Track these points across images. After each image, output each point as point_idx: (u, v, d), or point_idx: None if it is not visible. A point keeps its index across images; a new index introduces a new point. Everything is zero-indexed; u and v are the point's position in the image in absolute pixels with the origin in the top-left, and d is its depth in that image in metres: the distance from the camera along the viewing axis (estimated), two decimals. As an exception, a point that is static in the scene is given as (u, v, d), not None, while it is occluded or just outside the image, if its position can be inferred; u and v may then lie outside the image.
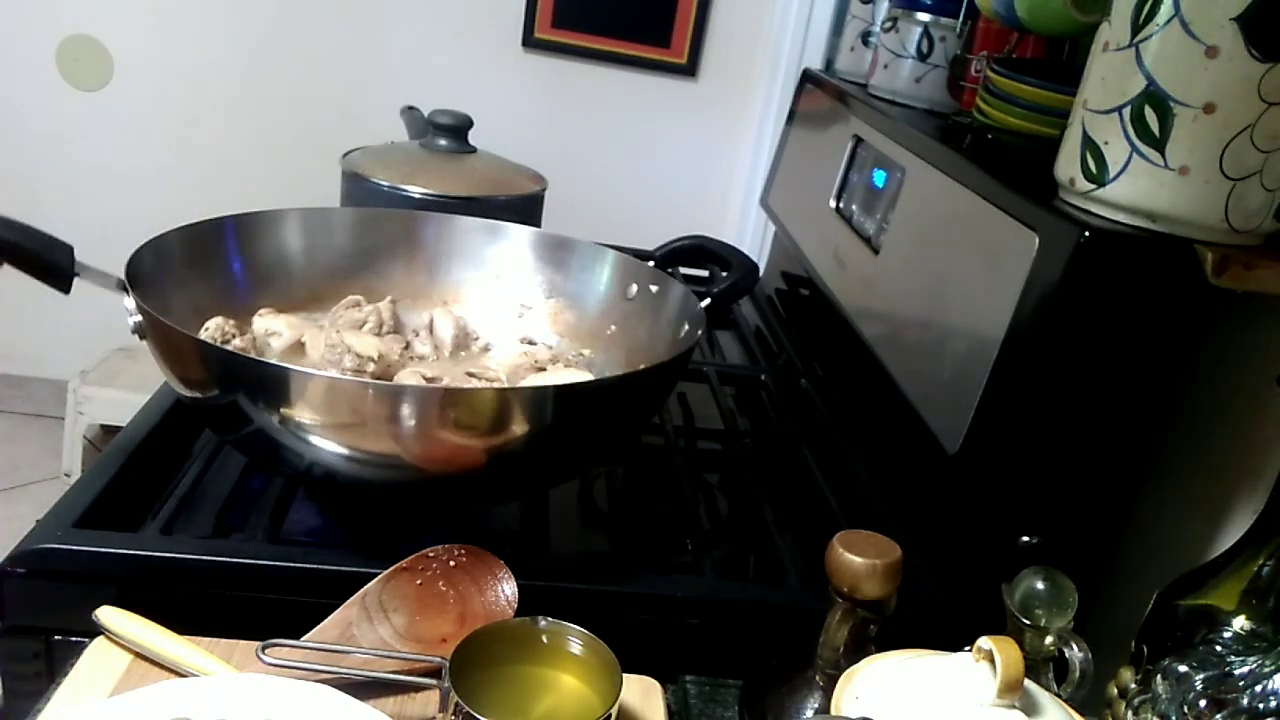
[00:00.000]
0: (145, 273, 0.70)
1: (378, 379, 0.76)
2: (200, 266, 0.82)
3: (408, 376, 0.76)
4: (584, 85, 2.01)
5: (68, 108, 2.01)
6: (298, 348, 0.80)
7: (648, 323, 0.87)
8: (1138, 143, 0.64)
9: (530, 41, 1.94)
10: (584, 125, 2.03)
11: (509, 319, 0.93)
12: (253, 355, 0.74)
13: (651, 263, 0.91)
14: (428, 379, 0.75)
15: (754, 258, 0.91)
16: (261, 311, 0.83)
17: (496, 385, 0.76)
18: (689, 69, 2.01)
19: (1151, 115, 0.63)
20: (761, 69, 1.96)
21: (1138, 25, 0.63)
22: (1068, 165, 0.69)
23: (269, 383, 0.61)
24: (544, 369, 0.85)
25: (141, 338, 0.67)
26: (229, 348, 0.72)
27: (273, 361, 0.68)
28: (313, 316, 0.87)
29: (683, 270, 1.28)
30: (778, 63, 1.86)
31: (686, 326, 0.81)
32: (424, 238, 0.94)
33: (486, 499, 0.77)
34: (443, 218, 0.95)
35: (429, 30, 1.95)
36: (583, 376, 0.80)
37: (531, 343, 0.92)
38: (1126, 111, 0.64)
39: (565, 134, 2.03)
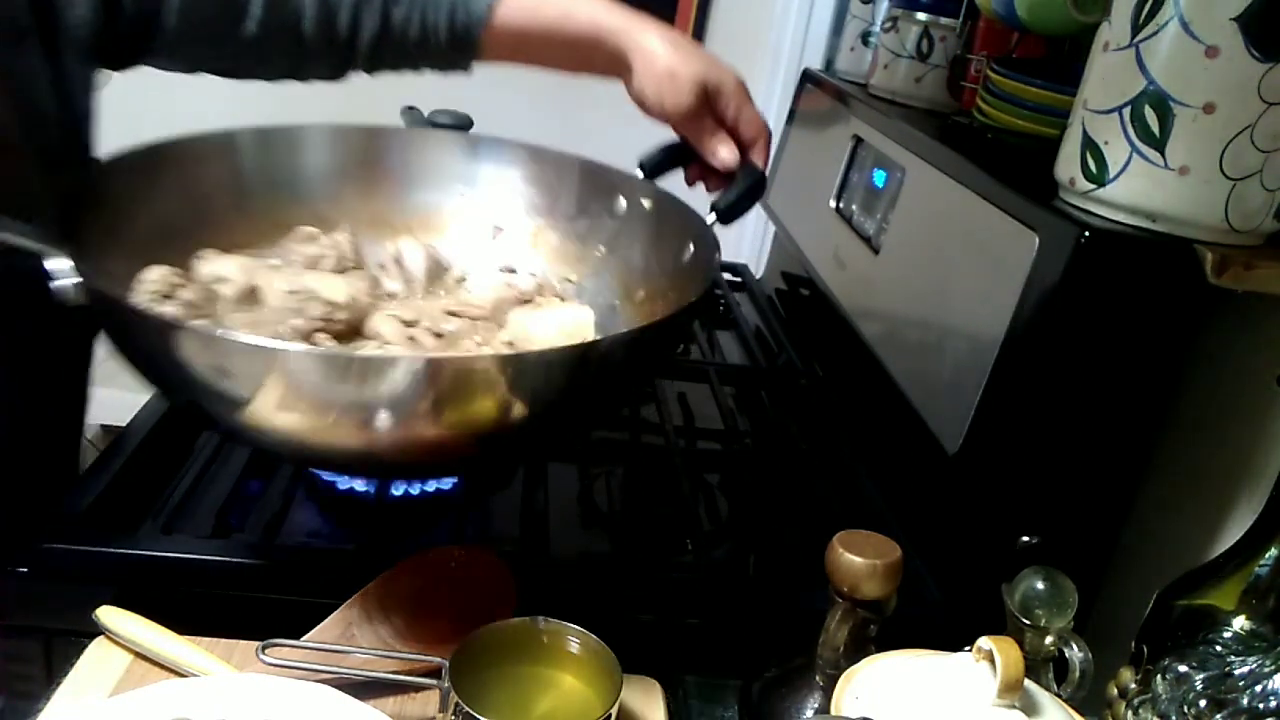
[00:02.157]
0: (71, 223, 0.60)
1: (348, 329, 0.67)
2: (132, 206, 0.69)
3: (383, 322, 0.68)
4: (584, 85, 2.01)
5: (68, 108, 2.01)
6: (252, 296, 0.69)
7: (642, 243, 0.78)
8: (1138, 143, 0.64)
9: (530, 41, 1.94)
10: (584, 125, 2.03)
11: (483, 243, 0.83)
12: (201, 318, 0.64)
13: (640, 173, 0.80)
14: (406, 321, 0.68)
15: (754, 257, 0.90)
16: (203, 253, 0.70)
17: (507, 353, 0.65)
18: (689, 69, 2.00)
19: (1151, 115, 0.63)
20: (761, 69, 1.96)
21: (1138, 25, 0.63)
22: (1068, 165, 0.69)
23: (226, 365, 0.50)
24: (529, 300, 0.77)
25: (75, 309, 0.53)
26: (176, 303, 0.63)
27: (235, 336, 0.51)
28: (261, 254, 0.74)
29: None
30: (778, 63, 1.86)
31: (692, 248, 0.72)
32: (379, 156, 0.83)
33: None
34: (398, 132, 0.86)
35: (429, 30, 1.94)
36: (583, 315, 0.73)
37: (512, 270, 0.82)
38: (1126, 111, 0.64)
39: (566, 134, 2.02)
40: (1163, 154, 0.63)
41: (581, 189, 0.81)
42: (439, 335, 0.68)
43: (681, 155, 0.79)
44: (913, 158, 0.93)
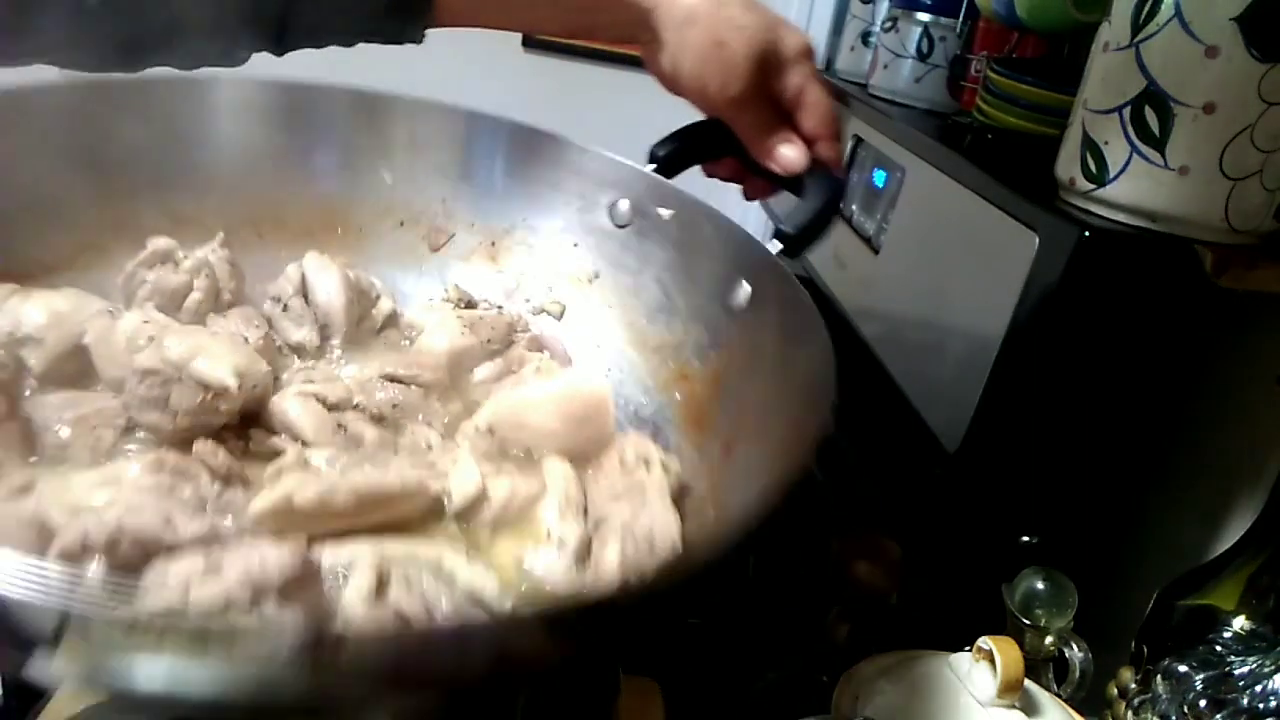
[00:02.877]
0: None
1: (238, 417, 0.46)
2: None
3: (294, 404, 0.47)
4: (585, 85, 2.01)
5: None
6: (75, 359, 0.45)
7: (657, 268, 0.57)
8: (1138, 143, 0.64)
9: (530, 41, 1.94)
10: (585, 125, 2.01)
11: (420, 257, 0.60)
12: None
13: (651, 166, 0.58)
14: (328, 404, 0.47)
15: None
16: None
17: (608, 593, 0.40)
18: (689, 69, 1.99)
19: (1151, 115, 0.63)
20: (762, 69, 1.96)
21: (1138, 25, 0.63)
22: (1068, 165, 0.69)
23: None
24: (499, 352, 0.56)
25: None
26: None
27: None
28: (85, 282, 0.49)
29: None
30: (778, 63, 1.86)
31: (746, 289, 0.52)
32: (265, 124, 0.58)
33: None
34: (287, 89, 0.58)
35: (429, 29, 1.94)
36: (594, 388, 0.52)
37: (469, 305, 0.59)
38: (1126, 111, 0.64)
39: (566, 133, 2.02)
40: (1163, 154, 0.63)
41: (564, 184, 0.60)
42: (379, 419, 0.48)
43: (711, 142, 0.59)
44: (913, 158, 0.93)
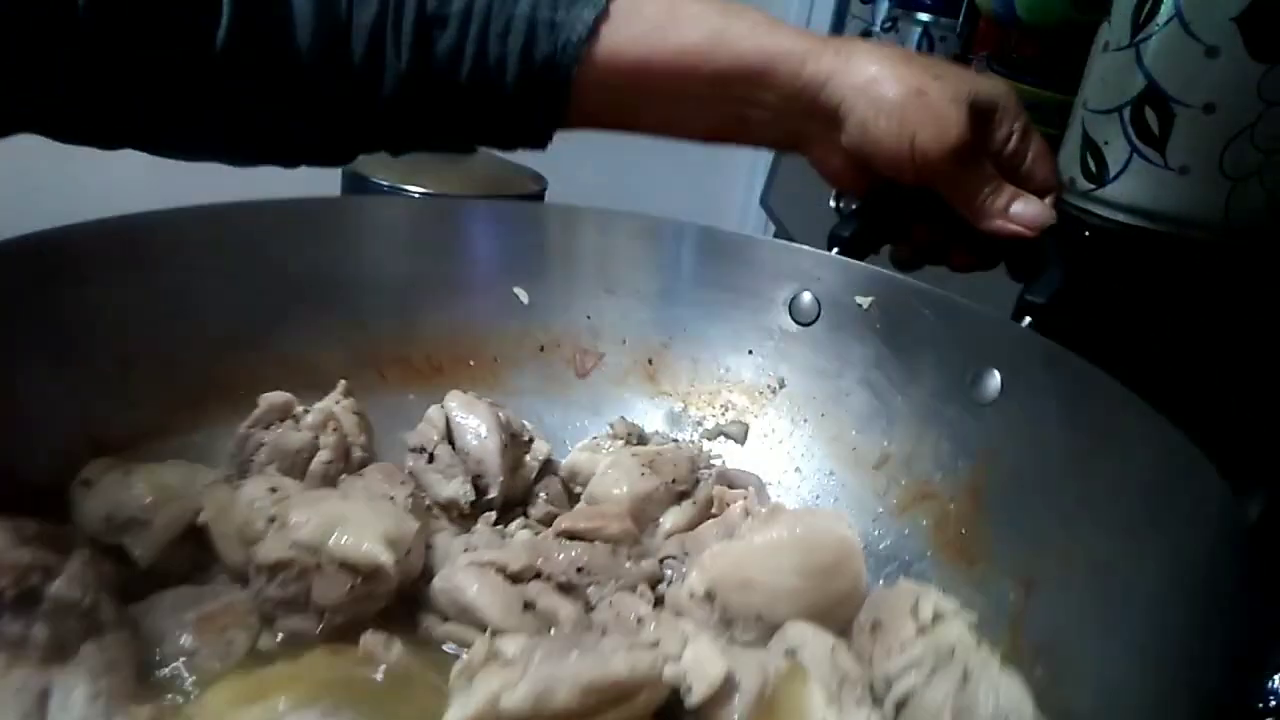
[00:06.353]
0: None
1: (400, 591, 0.39)
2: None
3: (470, 577, 0.38)
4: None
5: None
6: (190, 546, 0.38)
7: (862, 365, 0.49)
8: (1138, 143, 0.64)
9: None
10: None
11: (567, 385, 0.52)
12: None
13: (835, 250, 0.51)
14: (509, 575, 0.39)
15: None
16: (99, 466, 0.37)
17: None
18: (689, 69, 1.99)
19: (1151, 115, 0.63)
20: (762, 69, 1.95)
21: (1138, 25, 0.63)
22: (1068, 165, 0.69)
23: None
24: (685, 493, 0.46)
25: None
26: None
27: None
28: (186, 451, 0.42)
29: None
30: (778, 62, 1.86)
31: (996, 379, 0.45)
32: (371, 245, 0.50)
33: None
34: (405, 204, 0.54)
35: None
36: (833, 529, 0.40)
37: (639, 439, 0.49)
38: (1126, 111, 0.64)
39: (565, 134, 2.02)
40: (1163, 154, 0.63)
41: (726, 281, 0.52)
42: (568, 588, 0.39)
43: (899, 213, 0.52)
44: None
